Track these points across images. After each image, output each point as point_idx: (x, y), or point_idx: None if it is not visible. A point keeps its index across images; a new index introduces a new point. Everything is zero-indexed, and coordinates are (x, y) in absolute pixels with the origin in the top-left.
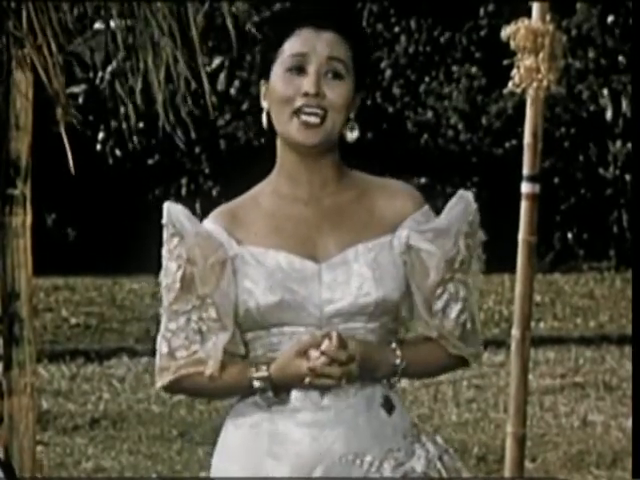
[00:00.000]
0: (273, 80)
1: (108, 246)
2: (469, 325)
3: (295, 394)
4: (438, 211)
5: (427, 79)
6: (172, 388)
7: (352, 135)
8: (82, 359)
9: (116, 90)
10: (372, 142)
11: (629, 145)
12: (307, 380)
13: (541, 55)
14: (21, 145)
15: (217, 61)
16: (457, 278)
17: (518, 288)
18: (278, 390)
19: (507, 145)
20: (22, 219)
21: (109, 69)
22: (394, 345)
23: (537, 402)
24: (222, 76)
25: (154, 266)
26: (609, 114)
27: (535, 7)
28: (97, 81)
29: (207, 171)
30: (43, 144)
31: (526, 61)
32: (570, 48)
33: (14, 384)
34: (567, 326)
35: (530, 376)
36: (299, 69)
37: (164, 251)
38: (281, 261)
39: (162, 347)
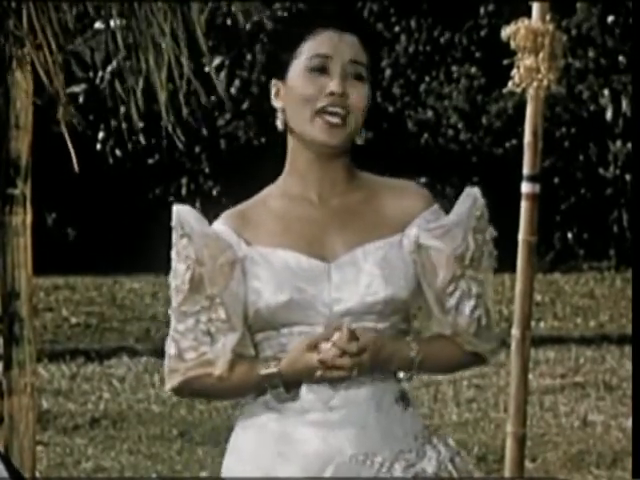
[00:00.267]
0: (292, 79)
1: (108, 245)
2: (484, 321)
3: (305, 394)
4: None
5: (427, 79)
6: (181, 390)
7: (361, 137)
8: (82, 359)
9: (116, 90)
10: (372, 142)
11: (629, 145)
12: (318, 373)
13: (541, 55)
14: (21, 145)
15: (217, 61)
16: (468, 275)
17: (518, 288)
18: (289, 386)
19: (507, 145)
20: (22, 218)
21: (109, 69)
22: (409, 338)
23: (537, 402)
24: (222, 76)
25: (154, 266)
26: (609, 114)
27: (535, 7)
28: (97, 81)
29: (207, 171)
30: (43, 144)
31: (526, 61)
32: (570, 48)
33: (14, 384)
34: (567, 326)
35: (530, 376)
36: (322, 69)
37: (173, 253)
38: (290, 261)
39: (171, 349)
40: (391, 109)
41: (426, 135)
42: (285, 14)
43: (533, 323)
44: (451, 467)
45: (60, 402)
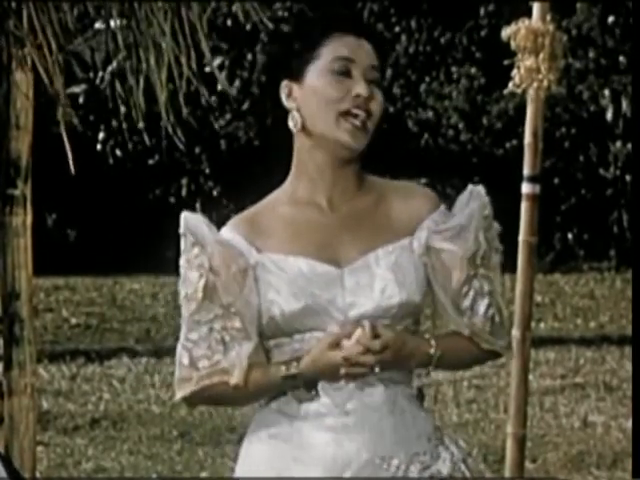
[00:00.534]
0: (312, 81)
1: (108, 246)
2: (497, 318)
3: (320, 398)
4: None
5: (427, 79)
6: (193, 399)
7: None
8: (82, 359)
9: (117, 90)
10: (372, 142)
11: (629, 145)
12: (342, 371)
13: (541, 55)
14: (21, 145)
15: (217, 61)
16: (480, 273)
17: (518, 288)
18: (309, 386)
19: (507, 145)
20: (22, 219)
21: (109, 69)
22: (428, 335)
23: (537, 403)
24: (222, 76)
25: (154, 266)
26: (609, 114)
27: (535, 7)
28: (98, 81)
29: (207, 171)
30: (43, 144)
31: (526, 61)
32: (570, 48)
33: (14, 384)
34: (567, 326)
35: (530, 376)
36: (345, 73)
37: (182, 260)
38: (303, 267)
39: (183, 358)
40: (391, 109)
41: (426, 135)
42: (300, 16)
43: (533, 324)
44: (464, 468)
45: (60, 403)
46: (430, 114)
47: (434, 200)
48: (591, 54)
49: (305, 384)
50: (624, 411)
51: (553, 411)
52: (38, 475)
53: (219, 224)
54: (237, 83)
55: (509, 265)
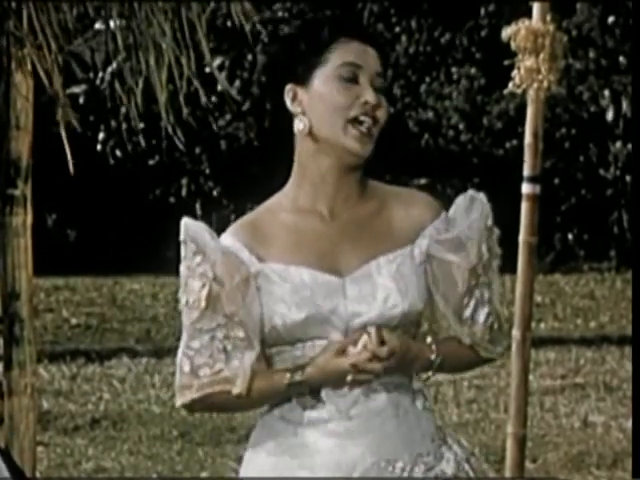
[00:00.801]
0: (319, 86)
1: (108, 246)
2: (496, 325)
3: (324, 404)
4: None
5: (428, 79)
6: (193, 406)
7: None
8: (82, 359)
9: (116, 90)
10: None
11: (629, 146)
12: (349, 377)
13: (541, 56)
14: (22, 145)
15: (217, 61)
16: (481, 281)
17: (519, 289)
18: (314, 393)
19: (507, 146)
20: (22, 219)
21: (109, 69)
22: (429, 340)
23: (538, 403)
24: (222, 76)
25: (154, 266)
26: (609, 115)
27: (535, 7)
28: (98, 81)
29: (207, 171)
30: (44, 144)
31: (526, 62)
32: (570, 49)
33: (14, 384)
34: (567, 327)
35: (530, 377)
36: (353, 79)
37: (183, 268)
38: (304, 277)
39: (184, 365)
40: (392, 110)
41: (427, 136)
42: (305, 19)
43: (533, 324)
44: (468, 467)
45: (60, 403)
46: (430, 114)
47: (436, 207)
48: (591, 54)
49: (311, 391)
50: (624, 411)
51: (553, 411)
52: (38, 475)
53: (219, 224)
54: (237, 83)
55: (509, 265)
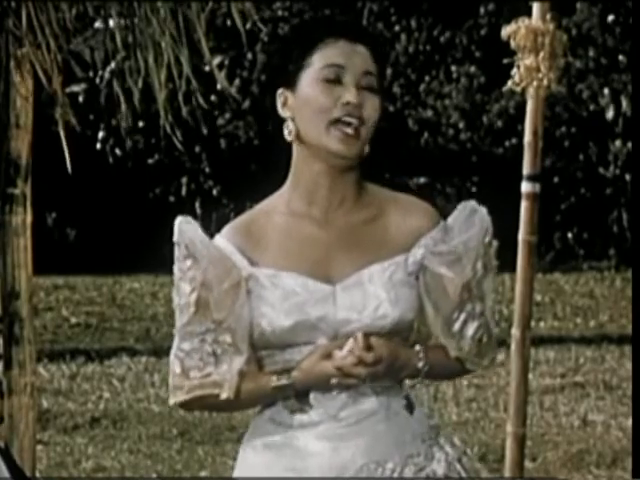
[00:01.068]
0: (304, 89)
1: (108, 245)
2: (485, 339)
3: (314, 407)
4: (441, 212)
5: (427, 78)
6: (186, 406)
7: (365, 150)
8: (82, 358)
9: (115, 89)
10: (372, 142)
11: (629, 144)
12: (334, 380)
13: (541, 54)
14: (21, 144)
15: (217, 60)
16: (474, 295)
17: (518, 288)
18: (299, 396)
19: (507, 144)
20: (22, 218)
21: (109, 68)
22: (418, 347)
23: (537, 402)
24: (222, 75)
25: (154, 265)
26: (609, 113)
27: (535, 6)
28: (97, 80)
29: (207, 170)
30: (43, 143)
31: (526, 60)
32: (570, 47)
33: (14, 383)
34: (567, 326)
35: (530, 376)
36: (336, 80)
37: (175, 269)
38: (295, 284)
39: (175, 367)
40: (391, 108)
41: (426, 134)
42: (293, 23)
43: (533, 323)
44: (459, 467)
45: (60, 402)
46: (430, 113)
47: (434, 216)
48: (591, 53)
49: (297, 394)
50: (624, 410)
51: (553, 410)
52: (38, 474)
53: (219, 223)
54: (237, 82)
55: (509, 264)
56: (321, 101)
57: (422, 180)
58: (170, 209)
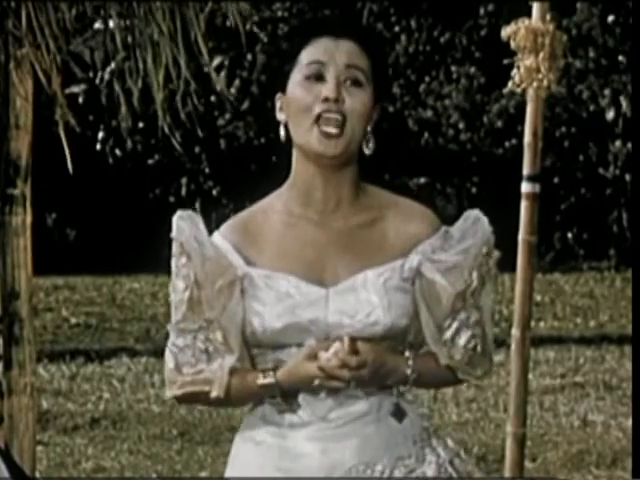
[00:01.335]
0: (291, 89)
1: (108, 246)
2: (479, 349)
3: (303, 408)
4: (439, 213)
5: (427, 79)
6: (181, 399)
7: (368, 148)
8: (82, 359)
9: (115, 90)
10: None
11: (629, 145)
12: (316, 381)
13: (541, 55)
14: (21, 145)
15: (217, 61)
16: (469, 304)
17: (518, 288)
18: (286, 397)
19: (507, 145)
20: (22, 219)
21: (109, 69)
22: (407, 354)
23: (537, 402)
24: (222, 75)
25: (154, 266)
26: (609, 114)
27: (535, 7)
28: (97, 81)
29: (207, 171)
30: (43, 144)
31: (526, 61)
32: (570, 48)
33: (14, 384)
34: (567, 326)
35: (530, 376)
36: (318, 77)
37: (173, 264)
38: (289, 286)
39: (169, 361)
40: (391, 109)
41: (426, 135)
42: (288, 27)
43: (533, 323)
44: (451, 469)
45: (60, 402)
46: (430, 113)
47: (434, 223)
48: (591, 54)
49: (284, 394)
50: (624, 410)
51: (553, 410)
52: (38, 475)
53: (219, 224)
54: (237, 83)
55: (509, 264)
56: (302, 99)
57: (422, 180)
58: (170, 209)
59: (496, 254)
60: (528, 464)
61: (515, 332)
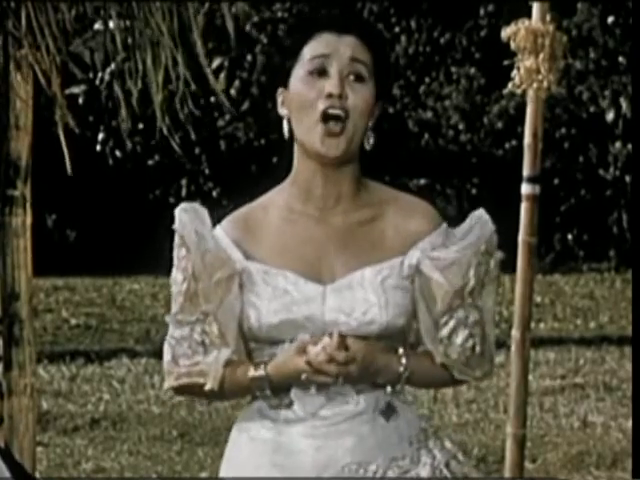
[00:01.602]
0: (293, 85)
1: (108, 247)
2: (477, 349)
3: (297, 404)
4: (442, 213)
5: (427, 79)
6: (178, 391)
7: (368, 144)
8: (82, 360)
9: (115, 91)
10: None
11: (629, 146)
12: (304, 376)
13: (541, 56)
14: (21, 145)
15: (217, 62)
16: (467, 303)
17: (518, 289)
18: (276, 391)
19: (507, 146)
20: (22, 219)
21: (109, 70)
22: (401, 352)
23: (537, 403)
24: (222, 76)
25: (154, 267)
26: (609, 115)
27: (535, 7)
28: (97, 82)
29: (207, 172)
30: (43, 144)
31: (526, 62)
32: (570, 49)
33: (14, 385)
34: (567, 327)
35: (530, 377)
36: (321, 71)
37: (174, 255)
38: (286, 283)
39: (166, 353)
40: (391, 110)
41: (426, 136)
42: (289, 22)
43: (533, 324)
44: (446, 471)
45: (60, 403)
46: (430, 114)
47: (435, 219)
48: (591, 54)
49: (274, 388)
50: (624, 411)
51: (553, 411)
52: (38, 475)
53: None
54: (237, 83)
55: (509, 266)
56: (305, 94)
57: (422, 181)
58: (170, 210)
59: (498, 255)
60: (528, 465)
61: (515, 333)
